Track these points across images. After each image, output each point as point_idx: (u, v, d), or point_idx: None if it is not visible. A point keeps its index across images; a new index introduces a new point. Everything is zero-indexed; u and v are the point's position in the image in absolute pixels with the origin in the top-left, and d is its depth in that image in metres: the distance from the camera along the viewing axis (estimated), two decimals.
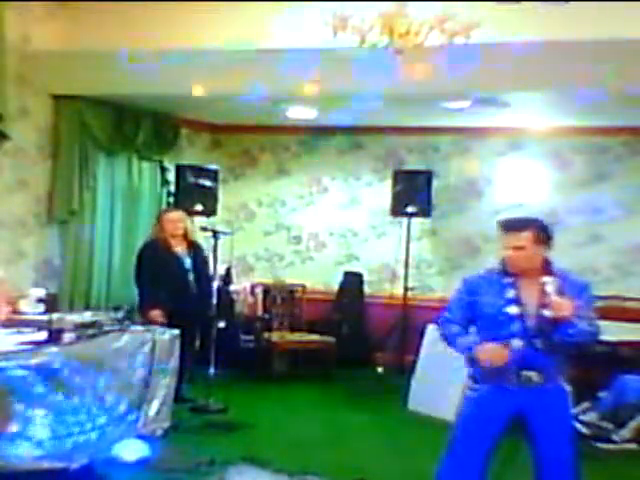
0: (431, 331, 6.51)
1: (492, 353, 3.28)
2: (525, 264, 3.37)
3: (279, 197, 8.64)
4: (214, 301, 6.23)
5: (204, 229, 6.37)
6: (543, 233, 3.40)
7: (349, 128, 8.11)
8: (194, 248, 6.36)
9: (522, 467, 3.64)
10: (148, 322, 5.63)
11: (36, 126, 6.58)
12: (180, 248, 6.25)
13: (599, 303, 3.52)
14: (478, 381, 3.45)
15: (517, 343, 3.33)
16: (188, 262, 6.25)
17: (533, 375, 3.36)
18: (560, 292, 3.26)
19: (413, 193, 7.64)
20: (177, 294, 6.07)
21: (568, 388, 3.47)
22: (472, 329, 3.48)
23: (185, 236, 6.31)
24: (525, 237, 3.35)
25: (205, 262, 6.39)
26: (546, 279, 3.29)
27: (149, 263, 6.13)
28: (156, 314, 5.87)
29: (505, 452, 3.54)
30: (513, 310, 3.35)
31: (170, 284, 6.07)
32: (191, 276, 6.25)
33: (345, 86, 5.78)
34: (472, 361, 3.43)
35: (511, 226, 3.41)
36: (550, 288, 3.26)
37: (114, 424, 4.66)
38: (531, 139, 7.84)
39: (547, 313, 3.30)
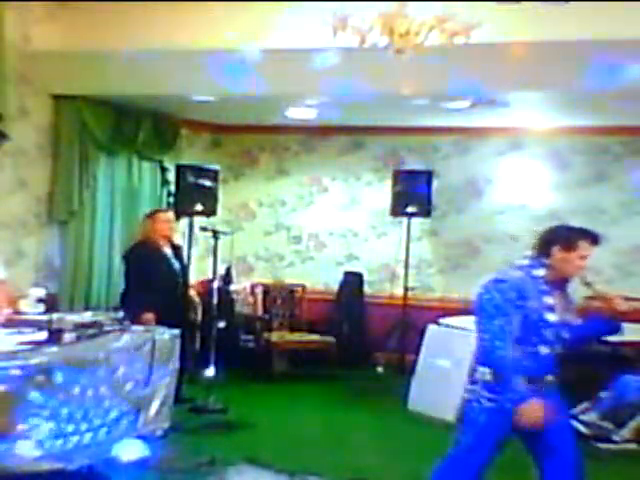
0: (431, 331, 6.51)
1: (535, 415, 3.20)
2: None
3: (279, 197, 8.65)
4: (208, 301, 6.23)
5: (204, 229, 6.35)
6: None
7: (349, 128, 8.12)
8: (177, 250, 6.33)
9: (520, 470, 3.64)
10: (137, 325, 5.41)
11: (36, 126, 6.58)
12: (168, 249, 6.19)
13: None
14: (498, 391, 3.30)
15: (544, 350, 3.33)
16: (177, 264, 6.22)
17: (550, 378, 3.39)
18: None
19: (413, 193, 7.64)
20: (168, 296, 5.97)
21: None
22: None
23: (169, 237, 6.25)
24: None
25: (185, 264, 6.41)
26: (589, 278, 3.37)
27: (142, 265, 5.99)
28: (150, 317, 5.69)
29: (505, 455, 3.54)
30: (551, 317, 3.33)
31: (162, 286, 5.95)
32: (180, 278, 6.22)
33: (344, 86, 5.78)
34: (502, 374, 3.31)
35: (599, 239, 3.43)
36: (599, 286, 3.32)
37: (114, 424, 4.65)
38: (531, 139, 7.85)
39: (570, 318, 3.40)
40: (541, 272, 3.38)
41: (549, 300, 3.34)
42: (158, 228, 6.14)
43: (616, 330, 3.55)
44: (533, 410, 3.20)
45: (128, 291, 6.07)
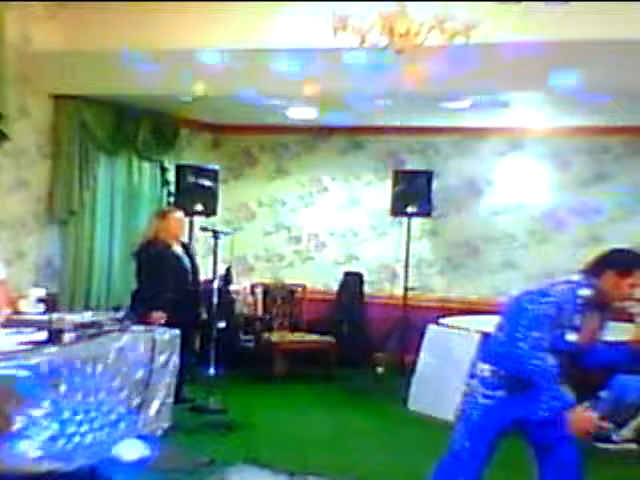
0: (431, 331, 6.51)
1: (585, 423, 3.21)
2: None
3: (279, 197, 8.65)
4: (208, 301, 6.24)
5: (204, 229, 6.36)
6: None
7: (349, 128, 8.12)
8: (187, 248, 6.37)
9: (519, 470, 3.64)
10: (147, 323, 5.49)
11: (36, 126, 6.58)
12: (178, 248, 6.23)
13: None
14: (494, 388, 3.35)
15: (550, 360, 3.29)
16: (187, 262, 6.25)
17: None
18: None
19: (413, 193, 7.64)
20: (179, 294, 6.00)
21: None
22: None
23: (178, 236, 6.28)
24: None
25: (195, 262, 6.43)
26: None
27: (155, 263, 5.99)
28: (159, 315, 5.76)
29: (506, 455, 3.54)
30: (571, 337, 3.29)
31: (173, 284, 5.98)
32: (190, 276, 6.24)
33: (345, 86, 5.78)
34: (497, 369, 3.34)
35: None
36: None
37: (114, 424, 4.65)
38: (531, 139, 7.84)
39: (597, 340, 3.39)
40: (586, 292, 3.31)
41: (577, 320, 3.29)
42: (170, 227, 6.17)
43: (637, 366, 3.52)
44: (583, 420, 3.20)
45: (140, 289, 6.10)
